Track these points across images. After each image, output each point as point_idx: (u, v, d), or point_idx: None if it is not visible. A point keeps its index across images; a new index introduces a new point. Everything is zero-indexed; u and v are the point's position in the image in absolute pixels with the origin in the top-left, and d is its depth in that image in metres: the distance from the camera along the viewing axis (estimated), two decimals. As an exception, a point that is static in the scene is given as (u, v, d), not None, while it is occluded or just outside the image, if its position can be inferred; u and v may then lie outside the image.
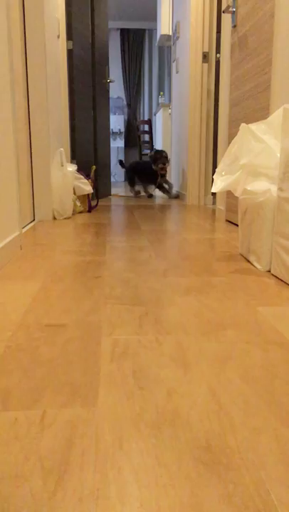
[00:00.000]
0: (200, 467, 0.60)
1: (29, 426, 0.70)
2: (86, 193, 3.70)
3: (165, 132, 6.61)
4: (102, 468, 0.60)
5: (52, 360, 0.93)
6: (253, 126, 1.82)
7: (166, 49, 8.65)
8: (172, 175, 5.49)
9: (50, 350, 0.98)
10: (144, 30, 8.86)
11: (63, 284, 1.52)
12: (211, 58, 4.09)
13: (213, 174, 2.10)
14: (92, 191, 3.77)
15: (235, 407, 0.75)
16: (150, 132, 6.73)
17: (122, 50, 8.92)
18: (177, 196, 5.13)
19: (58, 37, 3.65)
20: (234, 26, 2.91)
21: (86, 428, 0.69)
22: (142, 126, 7.13)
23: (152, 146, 6.73)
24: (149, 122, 6.72)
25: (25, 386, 0.82)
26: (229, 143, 1.95)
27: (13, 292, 1.44)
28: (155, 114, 8.12)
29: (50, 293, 1.42)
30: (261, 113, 2.41)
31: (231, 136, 2.97)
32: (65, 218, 3.35)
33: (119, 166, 6.99)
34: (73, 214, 3.51)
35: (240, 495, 0.55)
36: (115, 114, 8.73)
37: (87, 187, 3.67)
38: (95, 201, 3.99)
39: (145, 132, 6.82)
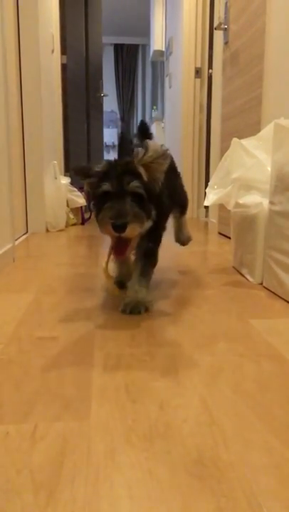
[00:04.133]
0: (192, 480, 0.60)
1: (20, 439, 0.69)
2: (79, 205, 3.71)
3: (158, 146, 6.66)
4: (94, 481, 0.60)
5: (44, 373, 0.93)
6: (244, 140, 1.84)
7: (160, 64, 8.75)
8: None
9: (42, 363, 0.98)
10: (137, 45, 8.98)
11: (56, 297, 1.52)
12: (203, 74, 4.15)
13: (205, 188, 2.12)
14: (85, 204, 3.78)
15: (228, 420, 0.75)
16: (143, 145, 6.77)
17: (116, 65, 9.02)
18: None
19: (53, 51, 3.69)
20: (226, 43, 2.96)
21: (78, 441, 0.69)
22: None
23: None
24: (143, 136, 6.75)
25: (16, 399, 0.82)
26: (221, 157, 1.97)
27: (5, 304, 1.44)
28: (148, 128, 8.19)
29: (42, 305, 1.42)
30: (253, 128, 2.45)
31: (223, 150, 2.99)
32: (58, 230, 3.35)
33: None
34: (66, 226, 3.51)
35: (232, 508, 0.55)
36: (109, 127, 8.80)
37: (80, 199, 3.68)
38: (88, 213, 4.00)
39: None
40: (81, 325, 1.23)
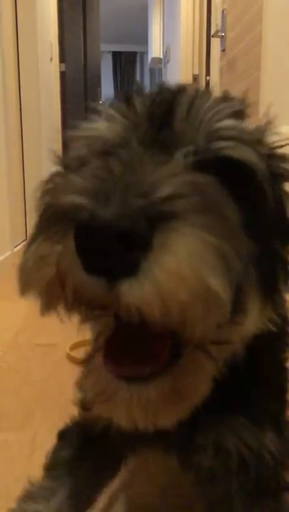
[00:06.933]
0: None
1: (20, 447, 0.69)
2: (78, 212, 3.71)
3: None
4: (93, 489, 0.60)
5: (43, 381, 0.93)
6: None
7: (158, 71, 8.80)
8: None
9: (42, 370, 0.98)
10: (135, 52, 9.04)
11: (55, 304, 1.51)
12: (200, 81, 4.17)
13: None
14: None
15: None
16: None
17: (114, 72, 9.08)
18: None
19: (51, 59, 3.71)
20: (223, 50, 2.98)
21: (77, 449, 0.69)
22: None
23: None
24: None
25: (16, 407, 0.82)
26: (219, 163, 1.96)
27: (4, 312, 1.44)
28: (147, 135, 8.20)
29: (41, 312, 1.42)
30: (250, 134, 2.46)
31: (222, 156, 3.00)
32: (57, 237, 3.35)
33: None
34: (65, 233, 3.51)
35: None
36: (107, 134, 8.83)
37: (79, 206, 3.69)
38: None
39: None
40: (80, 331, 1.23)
